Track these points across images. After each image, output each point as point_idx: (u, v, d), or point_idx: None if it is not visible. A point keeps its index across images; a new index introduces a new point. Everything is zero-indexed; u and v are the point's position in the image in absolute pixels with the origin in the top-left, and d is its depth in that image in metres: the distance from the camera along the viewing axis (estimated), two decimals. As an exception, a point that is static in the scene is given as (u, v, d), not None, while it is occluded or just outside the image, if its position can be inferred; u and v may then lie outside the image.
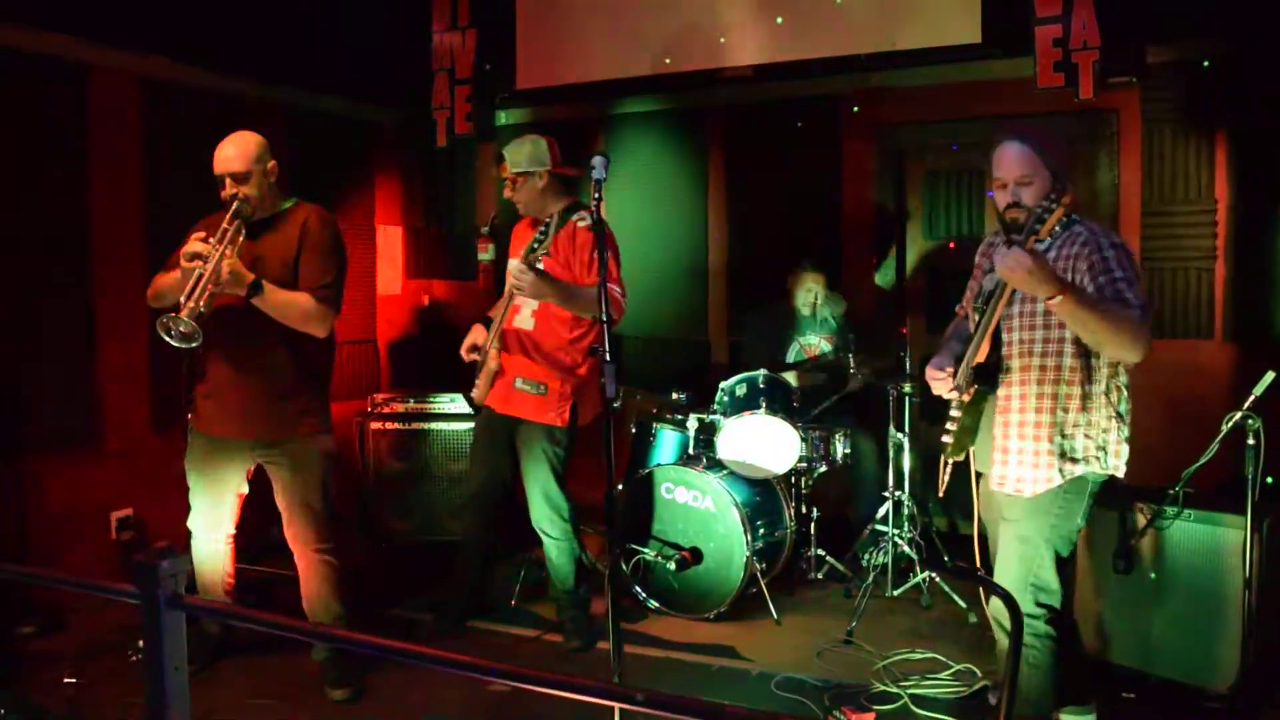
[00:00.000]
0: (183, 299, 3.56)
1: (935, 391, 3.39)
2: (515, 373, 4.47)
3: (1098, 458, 3.11)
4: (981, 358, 3.18)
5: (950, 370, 3.28)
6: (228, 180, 3.84)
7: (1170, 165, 5.49)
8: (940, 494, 3.34)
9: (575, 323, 4.46)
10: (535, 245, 4.11)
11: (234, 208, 3.76)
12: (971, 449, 3.32)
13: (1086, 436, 3.11)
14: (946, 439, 3.26)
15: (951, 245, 6.09)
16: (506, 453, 4.65)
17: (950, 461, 3.31)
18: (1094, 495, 3.20)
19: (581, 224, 4.40)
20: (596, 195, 3.06)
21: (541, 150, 4.50)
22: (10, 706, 3.49)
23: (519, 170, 4.50)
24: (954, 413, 3.26)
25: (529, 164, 4.49)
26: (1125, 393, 3.17)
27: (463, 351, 4.62)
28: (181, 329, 3.53)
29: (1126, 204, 5.61)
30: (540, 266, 4.16)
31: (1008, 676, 2.35)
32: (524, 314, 4.49)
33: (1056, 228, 3.13)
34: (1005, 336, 3.21)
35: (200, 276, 3.57)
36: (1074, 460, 3.11)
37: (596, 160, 3.06)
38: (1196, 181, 5.43)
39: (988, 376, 3.19)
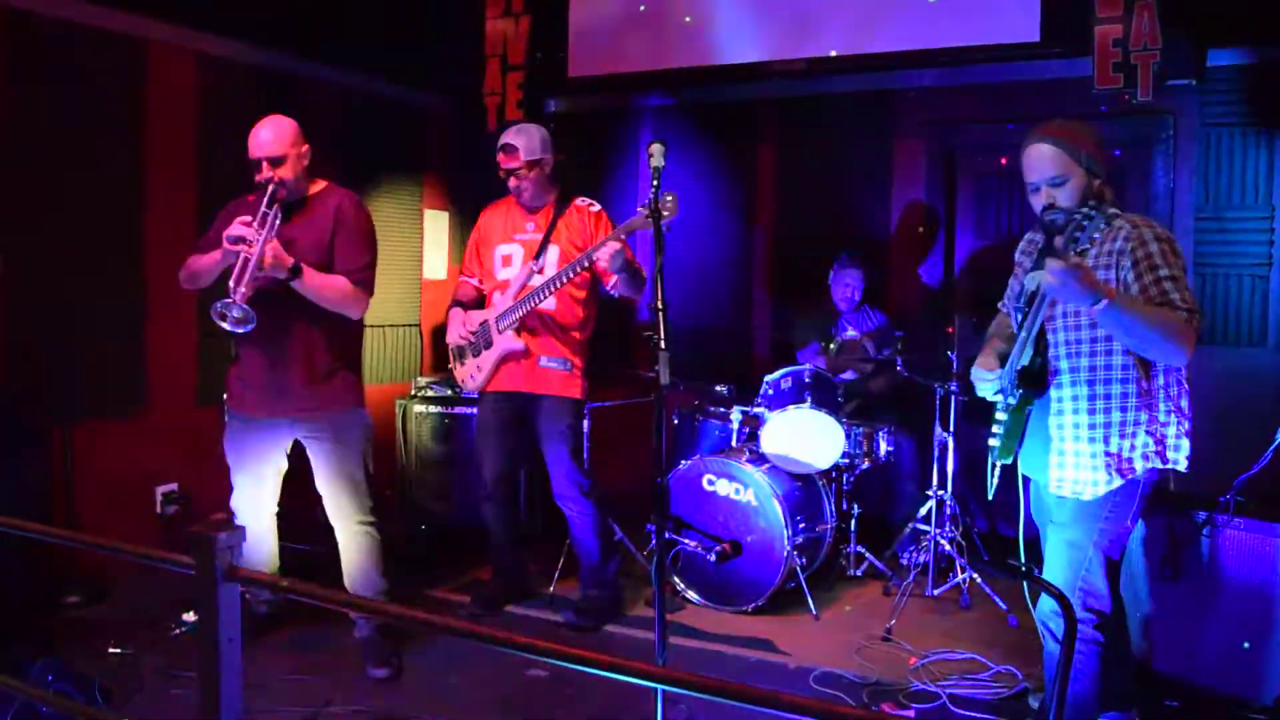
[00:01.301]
0: (231, 284, 3.61)
1: (980, 393, 3.37)
2: (540, 352, 4.54)
3: (1158, 452, 3.05)
4: (1026, 361, 3.15)
5: (996, 372, 3.25)
6: (264, 164, 3.87)
7: (1227, 170, 5.41)
8: (990, 497, 3.32)
9: (588, 302, 4.62)
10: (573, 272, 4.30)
11: (271, 191, 3.79)
12: (1018, 452, 3.29)
13: (1148, 433, 3.05)
14: (994, 441, 3.24)
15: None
16: (519, 435, 4.72)
17: (999, 464, 3.28)
18: (1145, 497, 3.13)
19: (593, 208, 4.55)
20: (655, 182, 3.05)
21: (547, 138, 4.59)
22: (59, 674, 3.53)
23: (533, 157, 4.54)
24: (1000, 415, 3.24)
25: (542, 151, 4.55)
26: (1186, 386, 3.11)
27: (457, 338, 4.65)
28: (236, 315, 3.59)
29: (1181, 208, 5.54)
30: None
31: (1059, 679, 2.33)
32: (547, 299, 4.51)
33: (1101, 225, 3.07)
34: (1050, 338, 3.17)
35: (246, 260, 3.62)
36: (1132, 460, 3.06)
37: (655, 148, 3.07)
38: (1254, 187, 5.36)
39: (1033, 380, 3.16)
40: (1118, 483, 3.07)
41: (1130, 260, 2.99)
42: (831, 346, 5.68)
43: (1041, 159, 3.10)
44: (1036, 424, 3.22)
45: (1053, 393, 3.17)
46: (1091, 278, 2.85)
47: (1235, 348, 5.39)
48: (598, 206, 4.58)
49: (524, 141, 4.54)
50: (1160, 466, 3.08)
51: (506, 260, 4.65)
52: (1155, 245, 2.97)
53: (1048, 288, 2.92)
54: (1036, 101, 5.73)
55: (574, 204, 4.58)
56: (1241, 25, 5.22)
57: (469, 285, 4.80)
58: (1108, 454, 3.07)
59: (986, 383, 3.30)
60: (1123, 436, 3.06)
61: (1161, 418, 3.07)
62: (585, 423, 4.71)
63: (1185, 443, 3.09)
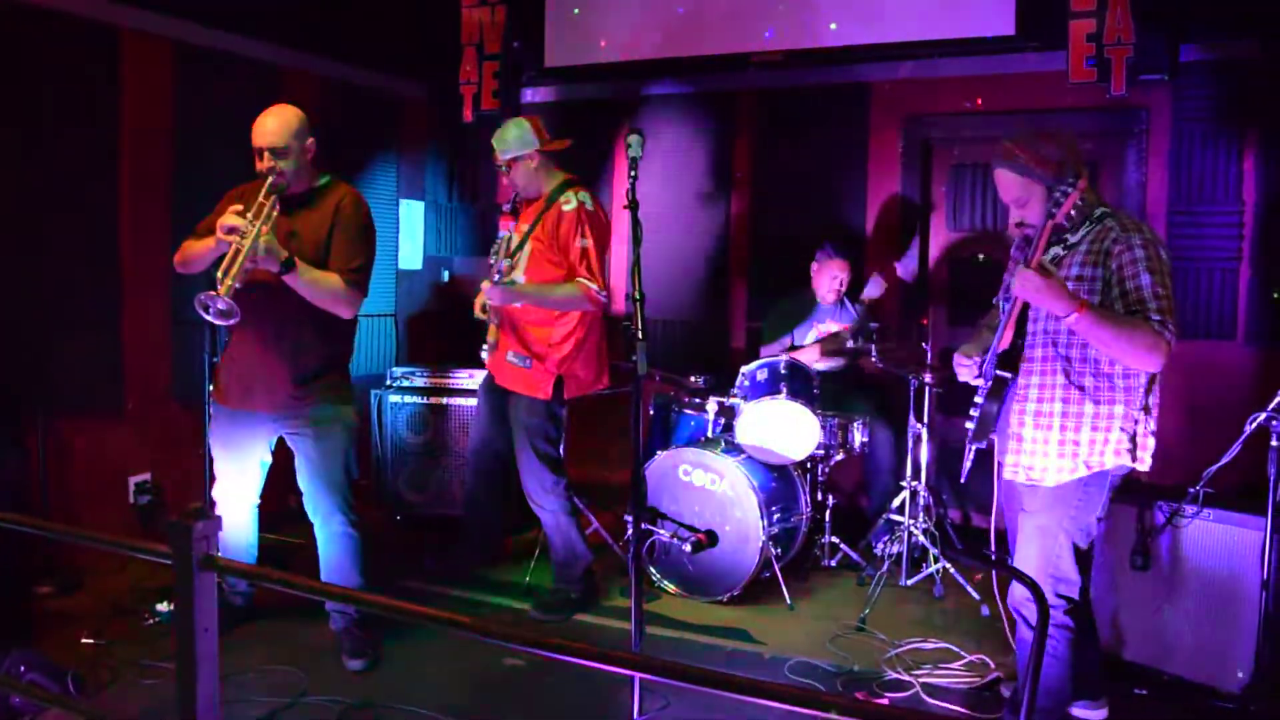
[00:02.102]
0: (220, 274, 3.55)
1: (960, 378, 3.42)
2: (507, 347, 4.60)
3: (1130, 450, 3.10)
4: (1006, 345, 3.19)
5: (976, 358, 3.30)
6: (266, 154, 3.81)
7: (1199, 165, 5.46)
8: (963, 480, 3.37)
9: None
10: (503, 257, 4.38)
11: (270, 183, 3.73)
12: (994, 437, 3.34)
13: (1121, 430, 3.09)
14: (969, 425, 3.28)
15: (980, 256, 6.07)
16: (501, 419, 4.78)
17: (973, 448, 3.32)
18: (1114, 488, 3.20)
19: (567, 207, 4.50)
20: (632, 173, 3.06)
21: (526, 131, 4.57)
22: (32, 665, 3.51)
23: (509, 156, 4.57)
24: (977, 399, 3.28)
25: (518, 148, 4.56)
26: (1155, 385, 3.15)
27: (476, 309, 4.65)
28: (220, 306, 3.52)
29: (1154, 201, 5.59)
30: (515, 277, 4.45)
31: (1031, 666, 2.36)
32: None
33: (1086, 223, 3.13)
34: (1030, 325, 3.22)
35: (237, 252, 3.56)
36: (1104, 454, 3.10)
37: (632, 139, 3.07)
38: (1224, 182, 5.41)
39: (1010, 364, 3.21)
40: (1082, 473, 3.11)
41: (1116, 263, 3.02)
42: (806, 342, 5.70)
43: (1003, 182, 3.18)
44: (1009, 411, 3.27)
45: (1021, 379, 3.21)
46: (1061, 288, 2.91)
47: (1205, 340, 5.44)
48: (574, 204, 4.50)
49: (499, 140, 4.59)
50: (1129, 464, 3.12)
51: (497, 247, 4.66)
52: (1140, 250, 3.00)
53: (1017, 292, 3.00)
54: (1012, 94, 5.78)
55: (557, 201, 4.54)
56: (1214, 22, 5.27)
57: None
58: (1075, 443, 3.10)
59: (965, 367, 3.35)
60: (1094, 429, 3.09)
61: (1136, 414, 3.10)
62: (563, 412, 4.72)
63: (1151, 441, 3.14)
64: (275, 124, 3.83)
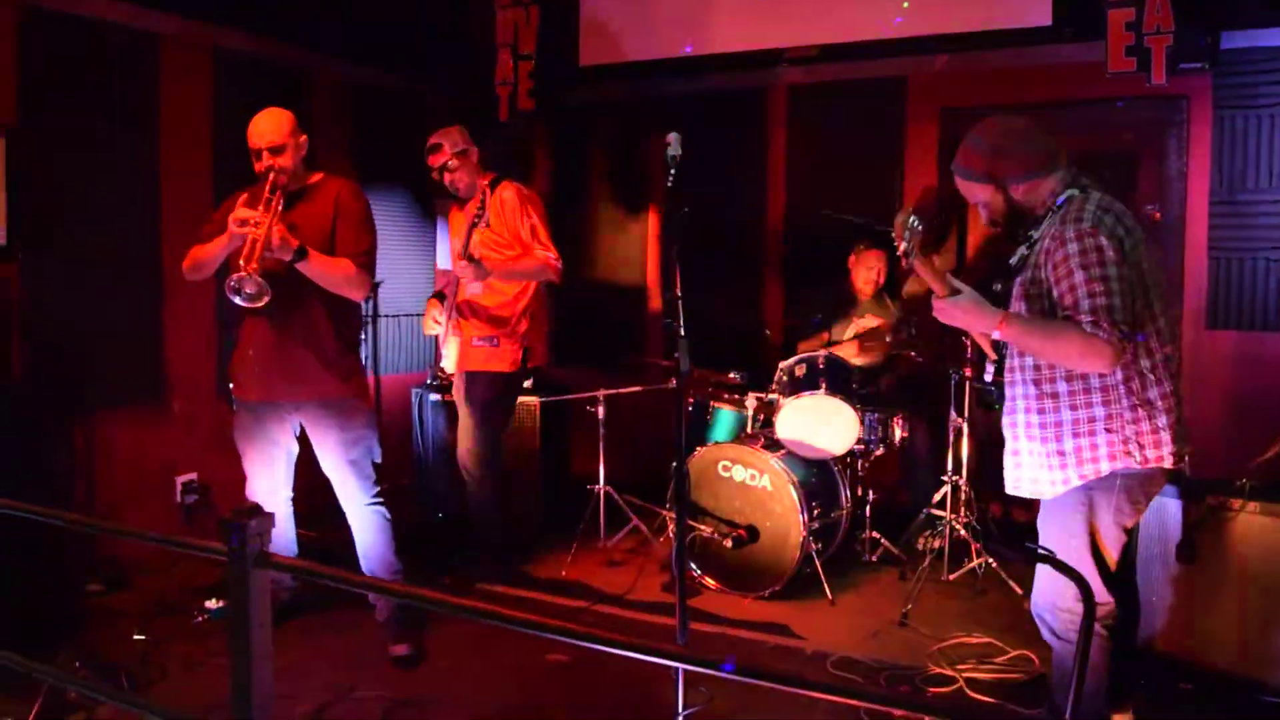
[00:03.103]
0: (241, 262, 3.66)
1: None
2: (472, 333, 4.89)
3: (1128, 453, 2.88)
4: (993, 356, 3.19)
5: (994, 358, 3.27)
6: (265, 153, 3.95)
7: (1241, 153, 5.40)
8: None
9: (515, 284, 4.91)
10: (472, 231, 4.55)
11: (272, 179, 3.88)
12: None
13: (1108, 431, 2.89)
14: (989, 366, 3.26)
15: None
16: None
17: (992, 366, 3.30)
18: (1134, 489, 2.95)
19: (506, 194, 4.83)
20: (671, 171, 3.07)
21: (464, 132, 4.92)
22: (85, 660, 3.58)
23: (459, 149, 4.86)
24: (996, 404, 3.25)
25: (464, 143, 4.88)
26: (1152, 376, 2.89)
27: (426, 326, 5.03)
28: (248, 289, 3.66)
29: (1194, 192, 5.53)
30: (476, 257, 4.62)
31: (1076, 667, 2.33)
32: (473, 286, 4.83)
33: (1049, 215, 2.98)
34: None
35: (255, 241, 3.68)
36: (1097, 460, 2.91)
37: (672, 137, 3.09)
38: (1268, 170, 5.34)
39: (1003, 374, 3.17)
40: (1076, 482, 2.94)
41: (1050, 263, 2.87)
42: (845, 338, 5.68)
43: (963, 189, 3.13)
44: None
45: (1007, 391, 3.11)
46: (973, 307, 2.88)
47: (1250, 331, 5.39)
48: (511, 190, 4.83)
49: (448, 138, 4.86)
50: (1138, 466, 2.89)
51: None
52: (1074, 244, 2.81)
53: (942, 321, 2.99)
54: (1050, 86, 5.73)
55: (499, 190, 4.82)
56: (1255, 8, 5.21)
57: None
58: (1060, 453, 2.95)
59: (989, 369, 3.32)
60: (1076, 435, 2.92)
61: (1128, 415, 2.88)
62: (521, 397, 5.14)
63: (1166, 436, 2.89)
64: (270, 124, 3.98)
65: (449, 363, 4.98)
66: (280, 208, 3.82)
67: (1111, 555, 3.01)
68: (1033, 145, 2.97)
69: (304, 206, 4.02)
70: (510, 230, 4.80)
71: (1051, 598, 3.06)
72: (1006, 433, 3.11)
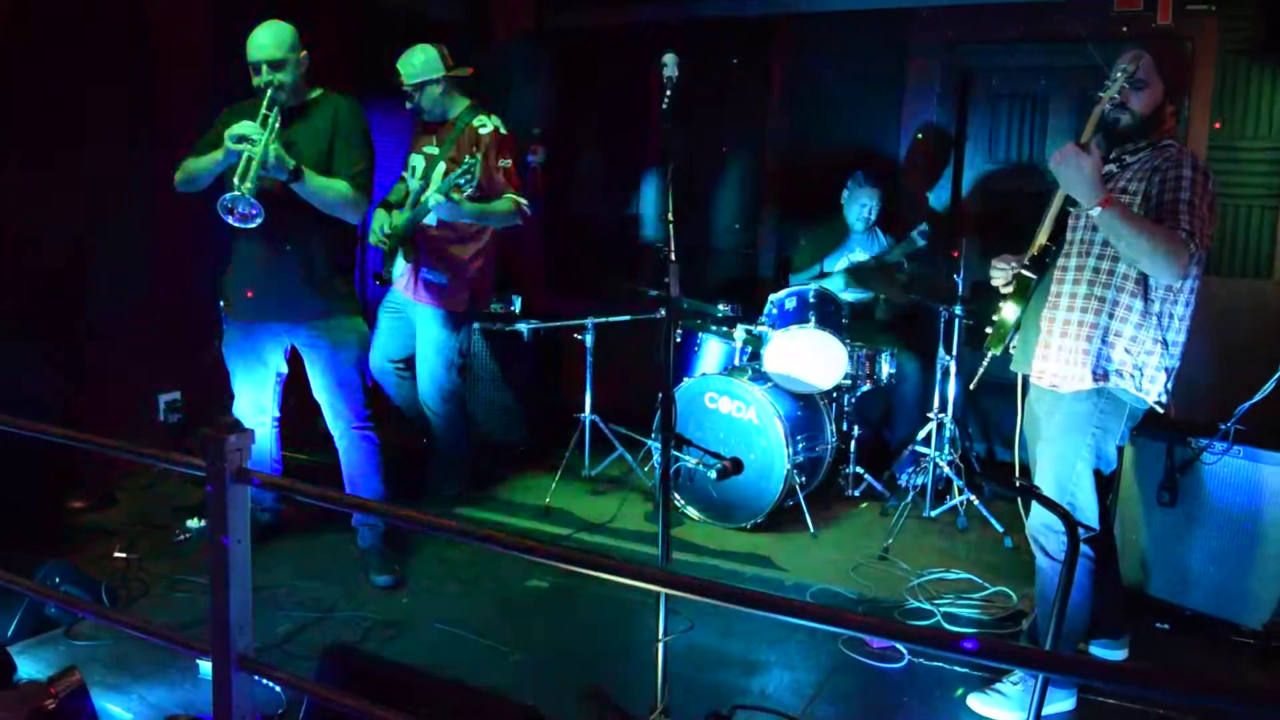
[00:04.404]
0: (236, 180, 3.60)
1: (994, 282, 3.38)
2: (421, 265, 4.77)
3: (1132, 376, 3.08)
4: (1037, 250, 3.17)
5: (1014, 264, 3.27)
6: (263, 67, 3.84)
7: (1242, 99, 5.34)
8: (971, 387, 3.37)
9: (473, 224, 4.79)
10: (460, 180, 4.32)
11: (269, 95, 3.77)
12: (1013, 349, 3.31)
13: (1126, 351, 3.07)
14: (989, 329, 3.25)
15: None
16: (401, 336, 4.99)
17: (989, 354, 3.30)
18: (1133, 419, 3.18)
19: (483, 130, 4.68)
20: (667, 93, 3.01)
21: (432, 58, 4.73)
22: (66, 576, 3.58)
23: (415, 81, 4.73)
24: (1001, 304, 3.25)
25: (425, 73, 4.72)
26: (1179, 323, 3.10)
27: (373, 235, 4.83)
28: (241, 209, 3.59)
29: (1194, 136, 5.46)
30: (461, 197, 4.42)
31: (1058, 595, 2.36)
32: (439, 214, 4.68)
33: (1149, 147, 3.11)
34: (1069, 235, 3.19)
35: (250, 159, 3.60)
36: (1105, 370, 3.09)
37: (668, 58, 3.01)
38: (1267, 118, 5.29)
39: (1037, 265, 3.18)
40: (1089, 384, 3.09)
41: (1160, 177, 3.01)
42: (836, 269, 5.65)
43: (1135, 59, 3.09)
44: (1032, 319, 3.24)
45: (1054, 287, 3.19)
46: (1092, 174, 2.88)
47: (1240, 279, 5.37)
48: (489, 127, 4.71)
49: (404, 66, 4.74)
50: (1133, 391, 3.09)
51: (412, 171, 4.88)
52: (1188, 171, 2.99)
53: (1050, 161, 2.96)
54: (1054, 22, 5.62)
55: (471, 123, 4.73)
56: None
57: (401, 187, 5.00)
58: (1085, 353, 3.09)
59: (999, 271, 3.32)
60: (1104, 342, 3.08)
61: (1148, 344, 3.07)
62: (471, 337, 5.07)
63: (1162, 376, 3.09)
64: (269, 37, 3.87)
65: (388, 271, 4.85)
66: (278, 125, 3.74)
67: (1104, 473, 3.18)
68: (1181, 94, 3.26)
69: (302, 123, 3.95)
70: (483, 169, 4.60)
71: (1047, 518, 3.18)
72: (1043, 325, 3.21)
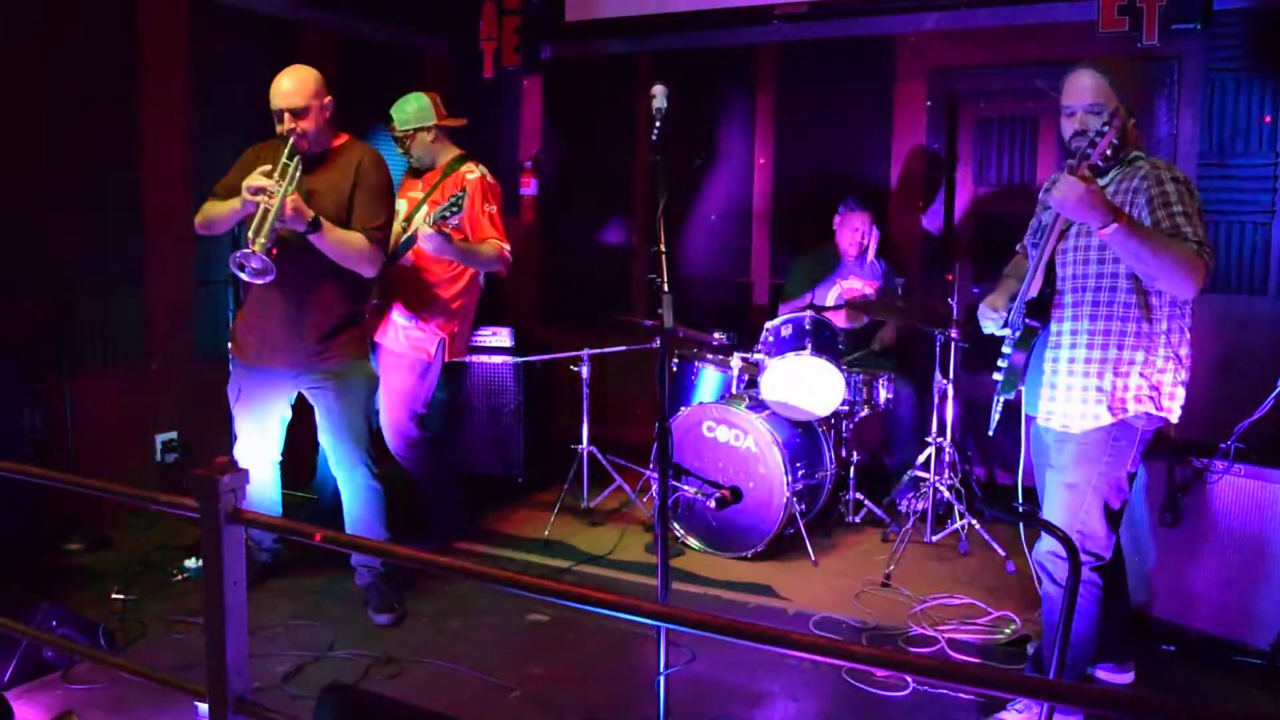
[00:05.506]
0: (250, 234, 3.58)
1: (985, 330, 3.38)
2: (395, 307, 4.62)
3: (1151, 398, 3.06)
4: (1035, 293, 3.16)
5: (1003, 308, 3.27)
6: (286, 115, 3.81)
7: (1231, 116, 5.36)
8: (990, 433, 3.35)
9: (450, 263, 4.61)
10: (447, 213, 4.21)
11: (292, 144, 3.75)
12: (1022, 388, 3.30)
13: (1141, 376, 3.06)
14: (998, 376, 3.25)
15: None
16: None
17: (1001, 400, 3.29)
18: (1145, 442, 3.15)
19: (470, 176, 4.60)
20: (656, 124, 3.01)
21: (425, 107, 4.72)
22: (62, 619, 3.54)
23: (406, 129, 4.72)
24: (1005, 349, 3.25)
25: (417, 121, 4.71)
26: (1188, 335, 3.11)
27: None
28: (255, 265, 3.57)
29: (1184, 155, 5.49)
30: (448, 231, 4.27)
31: (1061, 621, 2.34)
32: (425, 245, 4.48)
33: (1117, 166, 3.09)
34: (1059, 271, 3.17)
35: (266, 211, 3.58)
36: (1124, 400, 3.06)
37: (657, 90, 3.02)
38: (1257, 134, 5.31)
39: (1040, 312, 3.17)
40: (1107, 420, 3.07)
41: (1145, 197, 3.00)
42: (829, 302, 5.65)
43: (1084, 86, 3.09)
44: (1039, 360, 3.23)
45: (1053, 326, 3.19)
46: (1101, 197, 2.85)
47: (1236, 295, 5.38)
48: (476, 174, 4.62)
49: (399, 113, 4.72)
50: (1154, 412, 3.08)
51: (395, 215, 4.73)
52: (1171, 185, 2.98)
53: (1056, 203, 2.92)
54: (1040, 45, 5.66)
55: (459, 170, 4.67)
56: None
57: None
58: (1099, 389, 3.07)
59: (991, 319, 3.32)
60: (1117, 374, 3.06)
61: (1159, 363, 3.06)
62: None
63: (1180, 392, 3.10)
64: (293, 85, 3.84)
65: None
66: (298, 174, 3.71)
67: (1114, 506, 3.15)
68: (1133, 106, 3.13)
69: (324, 172, 3.93)
70: (469, 215, 4.53)
71: (1055, 545, 3.14)
72: (1046, 367, 3.19)
